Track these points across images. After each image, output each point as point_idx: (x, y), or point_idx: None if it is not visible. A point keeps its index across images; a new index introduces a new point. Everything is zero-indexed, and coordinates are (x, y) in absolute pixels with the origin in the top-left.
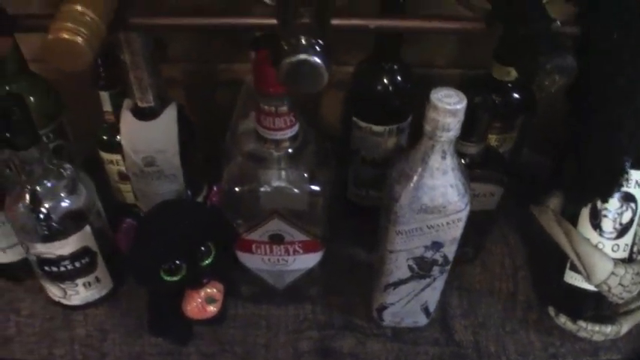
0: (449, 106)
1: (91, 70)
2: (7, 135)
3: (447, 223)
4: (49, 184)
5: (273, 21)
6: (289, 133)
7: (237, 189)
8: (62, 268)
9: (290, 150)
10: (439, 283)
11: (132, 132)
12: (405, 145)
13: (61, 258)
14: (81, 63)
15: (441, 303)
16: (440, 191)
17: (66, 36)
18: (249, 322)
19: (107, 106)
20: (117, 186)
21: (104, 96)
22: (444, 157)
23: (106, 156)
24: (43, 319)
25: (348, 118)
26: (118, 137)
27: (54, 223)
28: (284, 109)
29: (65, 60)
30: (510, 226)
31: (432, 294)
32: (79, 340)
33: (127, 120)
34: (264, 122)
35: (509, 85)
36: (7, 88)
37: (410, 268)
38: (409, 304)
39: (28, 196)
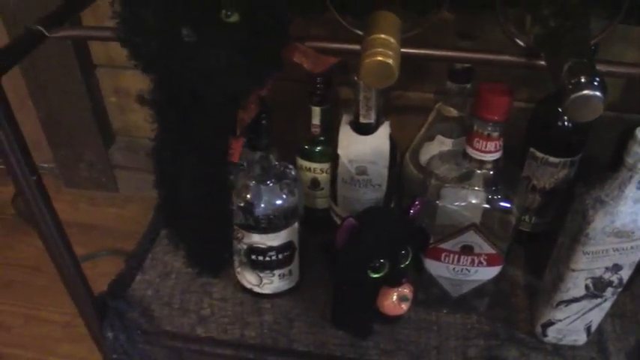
0: None
1: (309, 87)
2: (251, 136)
3: (632, 247)
4: (271, 183)
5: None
6: (496, 156)
7: (437, 202)
8: (267, 258)
9: (491, 172)
10: (607, 305)
11: (350, 144)
12: (572, 177)
13: (270, 249)
14: (390, 81)
15: (597, 326)
16: (632, 218)
17: (380, 58)
18: (421, 325)
19: (316, 120)
20: (308, 192)
21: (316, 110)
22: (639, 188)
23: (304, 163)
24: (234, 304)
25: (525, 148)
26: (319, 147)
27: (272, 217)
28: (496, 134)
29: (377, 79)
30: None
31: (599, 314)
32: (268, 326)
33: (346, 133)
34: (476, 144)
35: None
36: None
37: (586, 287)
38: (575, 322)
39: (253, 191)
